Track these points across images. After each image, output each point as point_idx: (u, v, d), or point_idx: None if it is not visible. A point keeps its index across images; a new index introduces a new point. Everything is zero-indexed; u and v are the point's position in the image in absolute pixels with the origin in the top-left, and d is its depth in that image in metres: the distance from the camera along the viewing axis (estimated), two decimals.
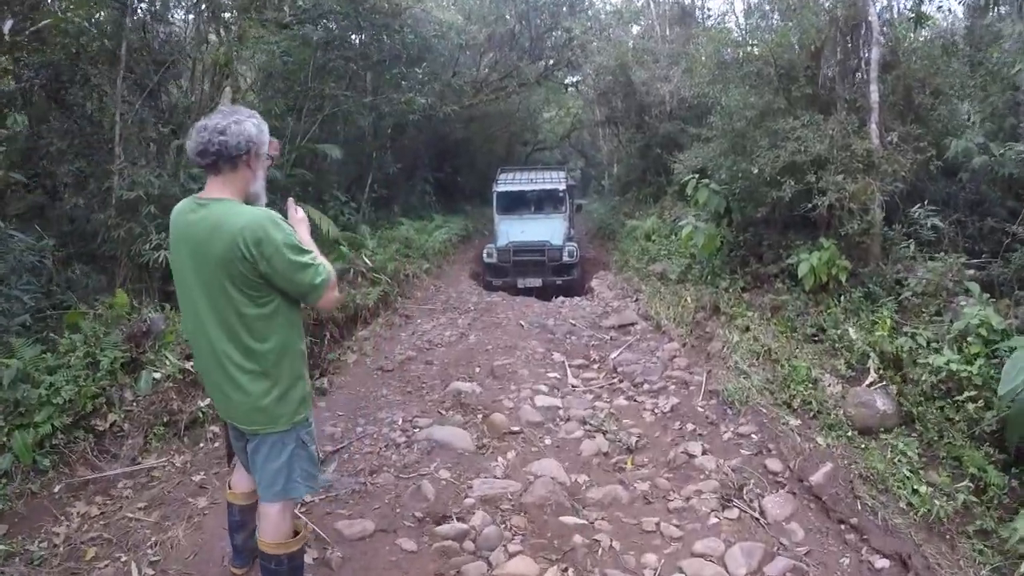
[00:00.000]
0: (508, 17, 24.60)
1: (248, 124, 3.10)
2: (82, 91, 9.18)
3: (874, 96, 8.81)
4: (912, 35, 10.08)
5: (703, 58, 12.40)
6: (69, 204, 8.81)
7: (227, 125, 3.05)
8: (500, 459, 5.99)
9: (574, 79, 28.69)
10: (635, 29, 26.97)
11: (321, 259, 3.16)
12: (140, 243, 8.33)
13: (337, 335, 9.47)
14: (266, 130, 3.22)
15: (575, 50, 24.49)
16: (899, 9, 12.16)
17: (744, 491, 5.46)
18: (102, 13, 9.55)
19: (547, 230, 16.73)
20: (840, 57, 9.69)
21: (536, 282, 15.95)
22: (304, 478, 3.44)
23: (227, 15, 12.01)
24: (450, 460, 5.88)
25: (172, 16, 11.71)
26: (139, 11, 10.09)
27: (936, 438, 5.85)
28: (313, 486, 3.60)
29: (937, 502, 5.10)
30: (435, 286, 14.65)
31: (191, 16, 12.04)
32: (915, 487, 5.31)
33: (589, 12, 26.24)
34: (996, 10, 11.99)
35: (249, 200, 3.22)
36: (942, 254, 7.87)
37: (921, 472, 5.53)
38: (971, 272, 7.71)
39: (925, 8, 10.39)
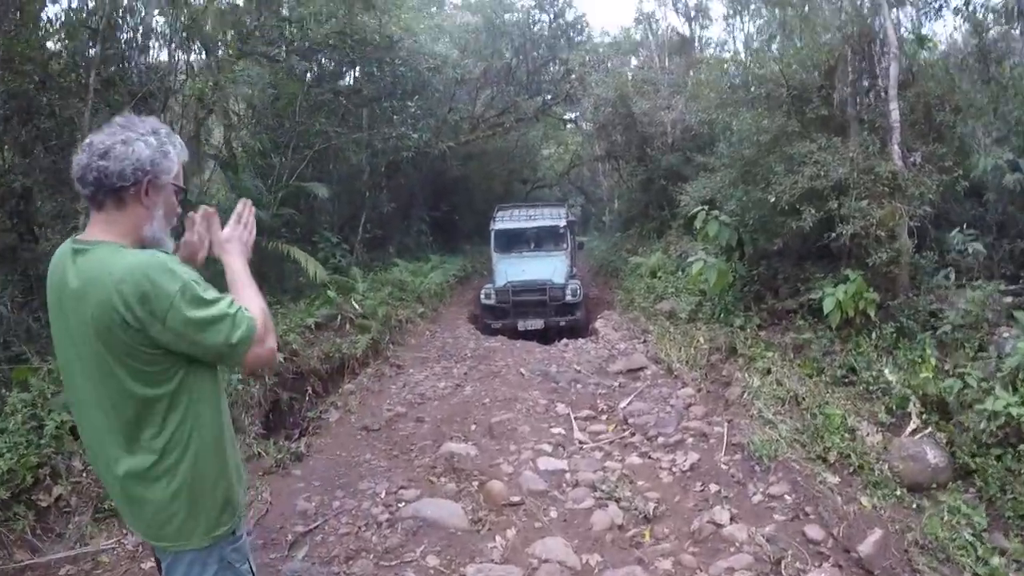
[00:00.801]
0: (504, 51, 24.21)
1: (139, 145, 2.25)
2: (49, 123, 8.56)
3: (895, 115, 8.23)
4: (921, 54, 9.48)
5: (709, 82, 11.80)
6: (46, 246, 8.14)
7: (112, 145, 2.22)
8: (498, 538, 5.16)
9: (573, 115, 28.31)
10: (634, 61, 26.59)
11: (246, 302, 2.33)
12: None
13: (320, 389, 8.73)
14: (173, 153, 2.34)
15: (573, 83, 24.10)
16: (906, 29, 11.60)
17: (783, 566, 4.66)
18: (69, 42, 9.06)
19: (548, 268, 15.90)
20: (853, 77, 9.06)
21: (538, 324, 14.99)
22: None
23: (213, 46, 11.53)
24: (439, 542, 5.08)
25: (153, 46, 11.13)
26: (118, 40, 9.52)
27: (998, 493, 5.13)
28: None
29: (1012, 575, 4.34)
30: (430, 331, 13.86)
31: (172, 46, 11.50)
32: (980, 555, 4.55)
33: (587, 45, 25.87)
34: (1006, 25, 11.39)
35: (145, 248, 2.34)
36: (979, 281, 7.21)
37: (985, 535, 4.77)
38: (1008, 300, 7.04)
39: (925, 31, 9.82)
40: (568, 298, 15.32)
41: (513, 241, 17.34)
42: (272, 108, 14.56)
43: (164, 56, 11.46)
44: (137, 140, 2.25)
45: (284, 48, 13.03)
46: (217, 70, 11.38)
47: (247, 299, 2.36)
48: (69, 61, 9.04)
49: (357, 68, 16.31)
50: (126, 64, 9.88)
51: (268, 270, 12.78)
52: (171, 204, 2.41)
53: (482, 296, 15.87)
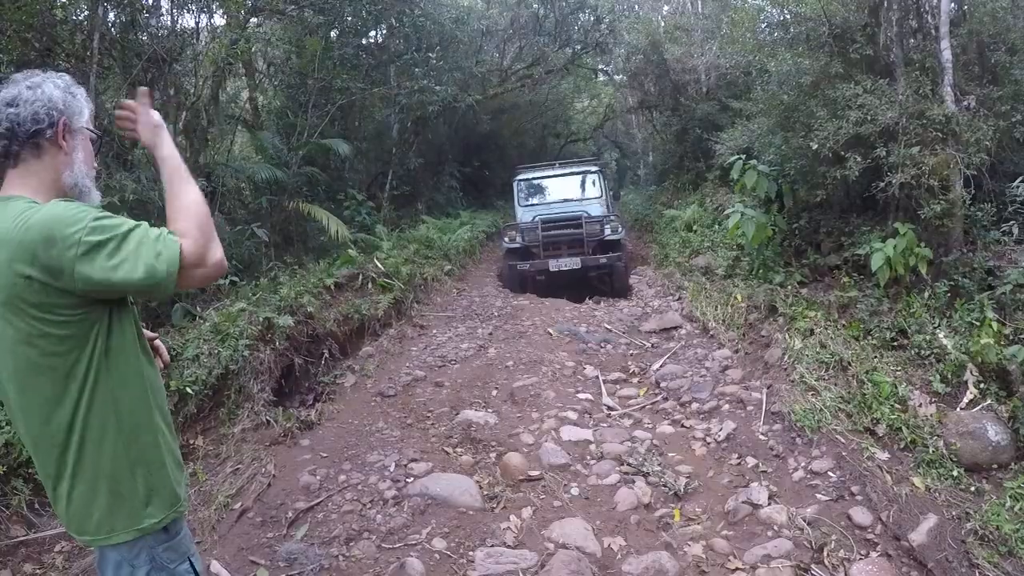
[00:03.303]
0: (531, 0, 23.46)
1: (48, 86, 2.10)
2: None
3: (946, 54, 7.55)
4: None
5: (745, 22, 11.15)
6: None
7: (18, 92, 2.06)
8: (513, 518, 4.75)
9: (604, 66, 27.61)
10: (665, 8, 25.77)
11: (181, 210, 2.07)
12: None
13: (337, 352, 8.35)
14: (82, 95, 2.21)
15: (603, 32, 23.39)
16: None
17: (825, 553, 4.22)
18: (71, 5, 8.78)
19: (582, 208, 14.34)
20: (900, 15, 8.39)
21: (573, 263, 13.02)
22: None
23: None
24: (448, 522, 4.70)
25: (164, 7, 10.70)
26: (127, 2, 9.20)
27: None
28: None
29: None
30: (457, 289, 13.40)
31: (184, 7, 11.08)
32: None
33: None
34: None
35: (68, 197, 2.11)
36: None
37: None
38: None
39: None
40: (607, 234, 13.47)
41: (540, 192, 15.65)
42: (290, 65, 14.18)
43: (176, 18, 11.09)
44: (44, 82, 2.13)
45: (299, 3, 12.58)
46: (241, 28, 11.00)
47: (183, 205, 2.10)
48: (74, 25, 8.76)
49: (383, 25, 15.85)
50: (135, 26, 9.49)
51: (291, 229, 12.49)
52: (88, 150, 2.23)
53: (504, 240, 14.16)
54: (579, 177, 15.54)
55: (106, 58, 8.96)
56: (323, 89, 13.69)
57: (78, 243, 1.84)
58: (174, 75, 10.07)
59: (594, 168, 15.80)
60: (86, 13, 8.92)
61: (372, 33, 16.49)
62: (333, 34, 14.29)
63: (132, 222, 1.96)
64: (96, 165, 2.27)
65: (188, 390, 5.86)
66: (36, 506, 4.68)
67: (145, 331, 2.31)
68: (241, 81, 15.13)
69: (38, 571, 4.27)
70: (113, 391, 2.08)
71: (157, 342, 2.52)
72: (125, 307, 2.11)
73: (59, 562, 4.35)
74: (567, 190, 15.47)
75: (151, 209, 8.33)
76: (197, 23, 11.23)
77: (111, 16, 9.12)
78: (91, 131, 2.23)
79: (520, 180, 15.73)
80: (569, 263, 13.07)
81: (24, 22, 7.77)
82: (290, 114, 13.94)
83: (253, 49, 12.66)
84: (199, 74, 10.85)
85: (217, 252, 2.05)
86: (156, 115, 2.28)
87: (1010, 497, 4.44)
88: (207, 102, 11.22)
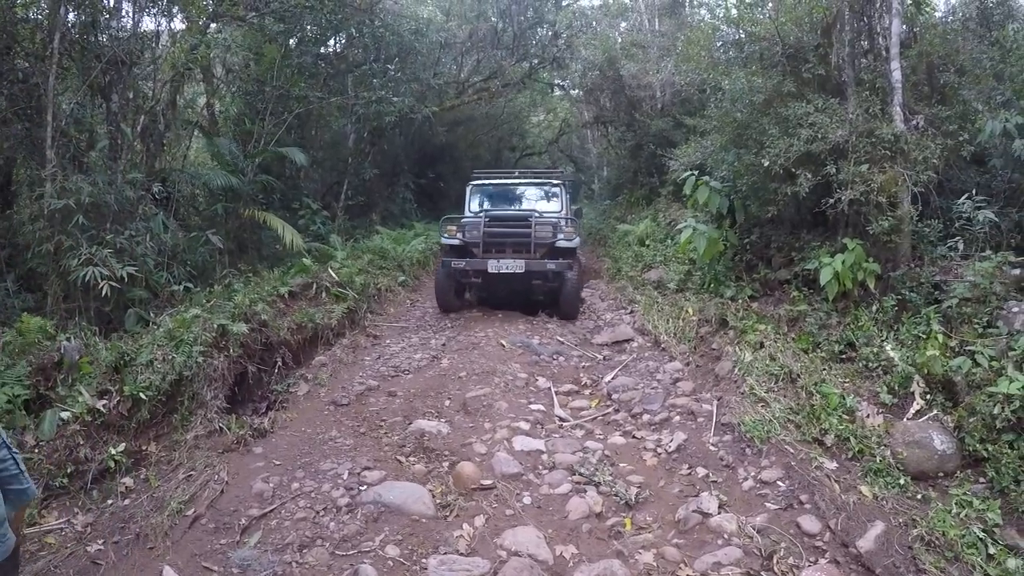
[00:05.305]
0: (490, 14, 23.61)
1: None
2: (13, 90, 8.38)
3: (896, 75, 7.77)
4: (919, 18, 9.04)
5: (700, 41, 11.33)
6: (24, 214, 8.33)
7: None
8: (465, 526, 4.76)
9: (561, 81, 27.76)
10: (623, 25, 26.02)
11: None
12: (68, 258, 7.48)
13: (291, 361, 8.27)
14: None
15: (561, 47, 23.53)
16: None
17: (775, 561, 4.29)
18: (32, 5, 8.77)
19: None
20: (852, 36, 8.59)
21: (517, 266, 11.19)
22: None
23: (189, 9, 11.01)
24: (401, 530, 4.68)
25: (125, 11, 10.54)
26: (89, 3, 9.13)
27: (1012, 485, 4.65)
28: None
29: None
30: (410, 300, 13.36)
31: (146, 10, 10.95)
32: (993, 554, 4.13)
33: (574, 8, 25.31)
34: None
35: None
36: (986, 252, 6.77)
37: (998, 532, 4.34)
38: (1016, 272, 6.58)
39: None
40: (560, 240, 11.60)
41: (496, 199, 13.49)
42: (248, 72, 14.08)
43: (137, 21, 10.94)
44: None
45: (260, 11, 12.50)
46: (201, 34, 10.90)
47: None
48: (34, 24, 8.78)
49: (342, 34, 15.83)
50: (95, 27, 9.37)
51: (245, 236, 12.38)
52: None
53: (443, 236, 12.17)
54: (539, 188, 13.64)
55: (65, 59, 8.84)
56: (281, 97, 13.59)
57: None
58: (133, 78, 9.96)
59: (556, 180, 13.76)
60: (47, 12, 8.82)
61: (331, 42, 16.47)
62: (292, 42, 14.23)
63: None
64: None
65: (142, 395, 5.78)
66: None
67: None
68: (199, 86, 14.99)
69: None
70: None
71: None
72: None
73: None
74: (524, 201, 13.56)
75: (106, 212, 8.23)
76: (157, 26, 11.12)
77: (72, 16, 9.00)
78: None
79: (474, 185, 13.75)
80: (512, 265, 11.28)
81: None
82: (247, 121, 13.82)
83: (212, 55, 12.57)
84: (157, 78, 10.74)
85: None
86: None
87: (956, 504, 4.56)
88: (165, 106, 11.09)
